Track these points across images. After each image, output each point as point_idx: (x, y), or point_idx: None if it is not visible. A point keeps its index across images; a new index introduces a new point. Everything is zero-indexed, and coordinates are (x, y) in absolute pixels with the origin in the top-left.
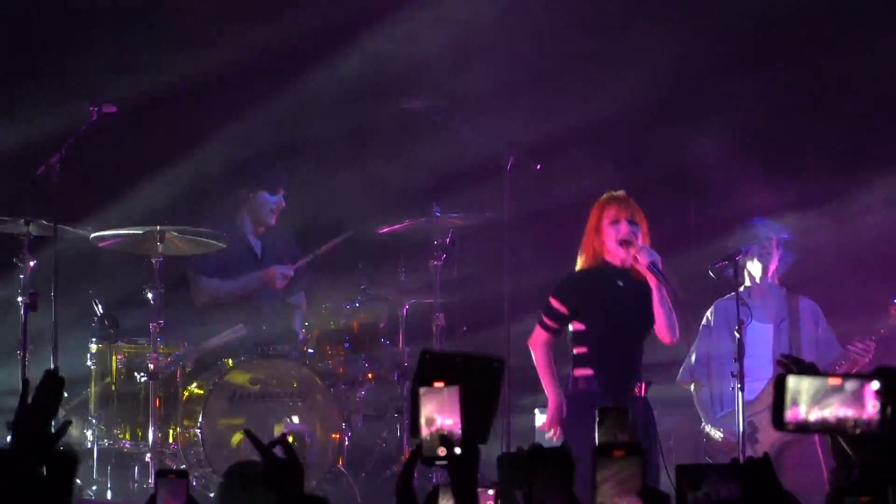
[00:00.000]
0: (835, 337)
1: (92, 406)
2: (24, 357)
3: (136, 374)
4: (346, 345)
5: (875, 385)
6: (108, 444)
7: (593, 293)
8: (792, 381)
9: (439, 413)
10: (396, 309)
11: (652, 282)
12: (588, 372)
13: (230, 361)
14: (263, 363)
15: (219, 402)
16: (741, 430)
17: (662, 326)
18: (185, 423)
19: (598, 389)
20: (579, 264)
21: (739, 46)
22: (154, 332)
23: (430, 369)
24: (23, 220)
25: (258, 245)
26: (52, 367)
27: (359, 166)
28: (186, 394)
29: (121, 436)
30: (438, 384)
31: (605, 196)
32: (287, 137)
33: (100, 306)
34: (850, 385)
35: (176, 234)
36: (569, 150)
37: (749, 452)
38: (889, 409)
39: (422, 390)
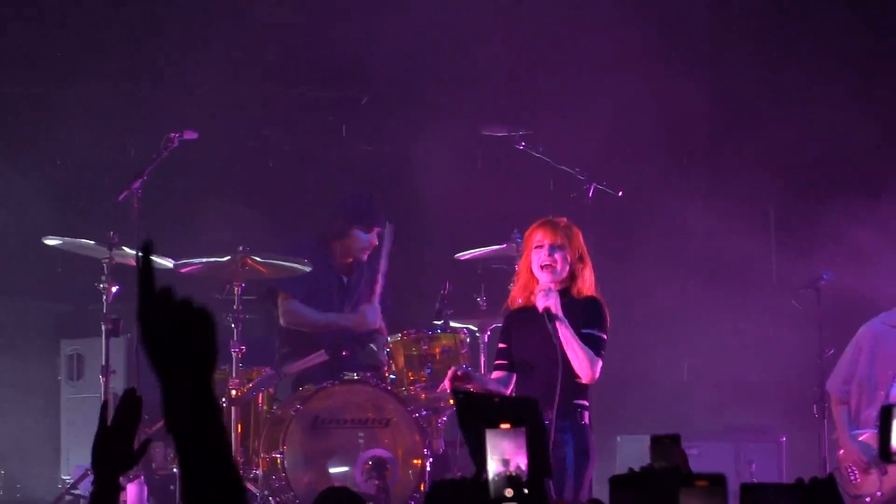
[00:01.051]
0: None
1: None
2: (106, 381)
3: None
4: (428, 370)
5: None
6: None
7: (520, 332)
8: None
9: (506, 454)
10: (478, 335)
11: (552, 332)
12: None
13: (312, 387)
14: (345, 389)
15: (300, 427)
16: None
17: (574, 367)
18: (267, 448)
19: None
20: (512, 293)
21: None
22: (236, 358)
23: (469, 409)
24: (105, 245)
25: (345, 278)
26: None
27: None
28: (268, 419)
29: None
30: (505, 426)
31: (538, 221)
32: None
33: None
34: None
35: (259, 259)
36: (650, 176)
37: (876, 480)
38: None
39: (488, 432)
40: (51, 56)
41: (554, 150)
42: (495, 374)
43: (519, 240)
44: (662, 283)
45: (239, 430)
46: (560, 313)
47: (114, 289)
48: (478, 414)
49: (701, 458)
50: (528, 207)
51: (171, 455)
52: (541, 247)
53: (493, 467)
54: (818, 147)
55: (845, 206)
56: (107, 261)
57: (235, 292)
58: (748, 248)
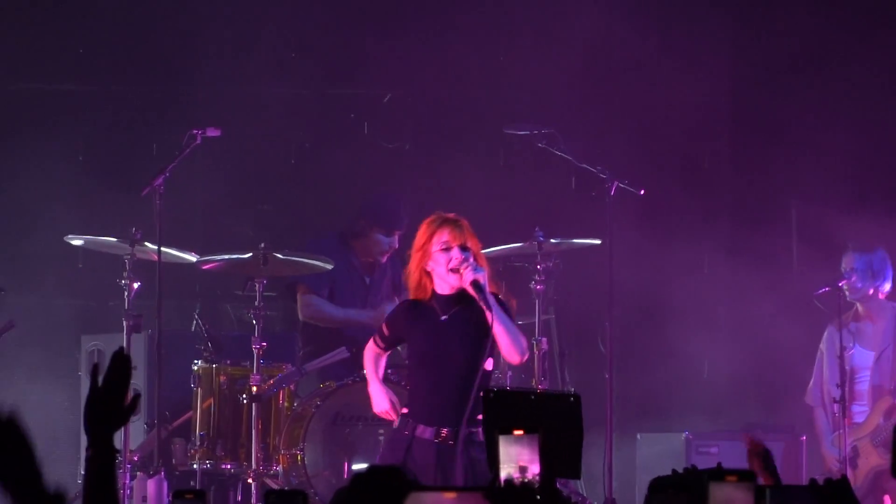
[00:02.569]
0: None
1: (195, 427)
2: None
3: (239, 395)
4: None
5: None
6: (210, 466)
7: (413, 329)
8: None
9: (519, 460)
10: None
11: (482, 303)
12: (405, 410)
13: (332, 384)
14: (366, 386)
15: (321, 424)
16: (842, 453)
17: (503, 347)
18: (288, 445)
19: (404, 431)
20: (410, 293)
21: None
22: (257, 354)
23: (497, 408)
24: (127, 242)
25: (367, 278)
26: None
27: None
28: (289, 416)
29: (223, 458)
30: (518, 432)
31: (434, 218)
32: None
33: (204, 328)
34: None
35: (280, 256)
36: (670, 174)
37: (850, 476)
38: None
39: (501, 438)
40: (74, 54)
41: (575, 148)
42: (373, 349)
43: (541, 238)
44: (682, 281)
45: (259, 426)
46: (488, 288)
47: (135, 285)
48: (509, 414)
49: (721, 456)
50: (549, 205)
51: (192, 451)
52: (448, 249)
53: (507, 473)
54: (844, 144)
55: (870, 206)
56: (128, 257)
57: (257, 289)
58: (769, 247)
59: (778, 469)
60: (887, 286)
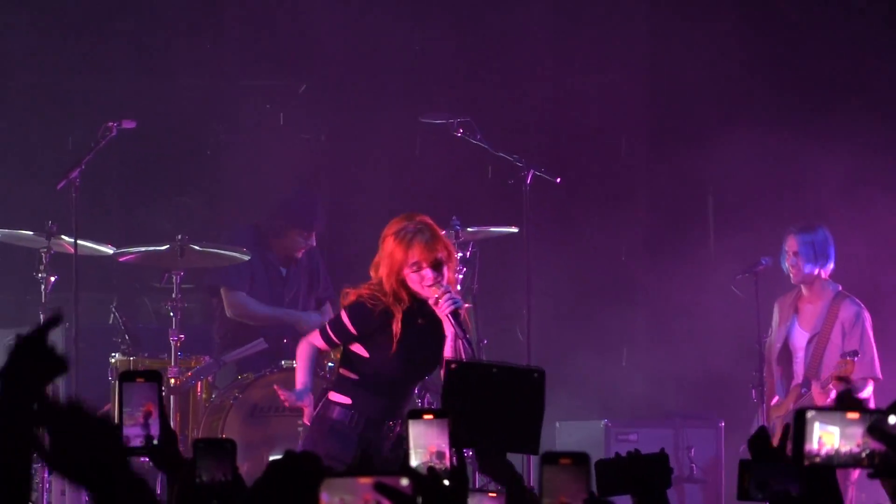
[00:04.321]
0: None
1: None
2: None
3: None
4: None
5: (893, 419)
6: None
7: (389, 328)
8: (811, 415)
9: (429, 444)
10: None
11: (448, 330)
12: (346, 400)
13: (250, 375)
14: (284, 377)
15: (239, 416)
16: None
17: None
18: (206, 437)
19: (347, 421)
20: (373, 296)
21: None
22: (175, 346)
23: (459, 380)
24: (43, 235)
25: (284, 269)
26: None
27: (378, 178)
28: (207, 408)
29: None
30: (428, 416)
31: (402, 229)
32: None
33: (121, 320)
34: (870, 419)
35: (198, 248)
36: (587, 162)
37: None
38: None
39: (411, 421)
40: None
41: (493, 137)
42: (318, 343)
43: (458, 226)
44: (600, 269)
45: (177, 418)
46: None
47: (52, 279)
48: (470, 387)
49: (640, 443)
50: (466, 194)
51: None
52: (420, 268)
53: (417, 458)
54: (761, 133)
55: (787, 195)
56: (45, 251)
57: (174, 281)
58: (687, 234)
59: (696, 455)
60: (831, 266)
